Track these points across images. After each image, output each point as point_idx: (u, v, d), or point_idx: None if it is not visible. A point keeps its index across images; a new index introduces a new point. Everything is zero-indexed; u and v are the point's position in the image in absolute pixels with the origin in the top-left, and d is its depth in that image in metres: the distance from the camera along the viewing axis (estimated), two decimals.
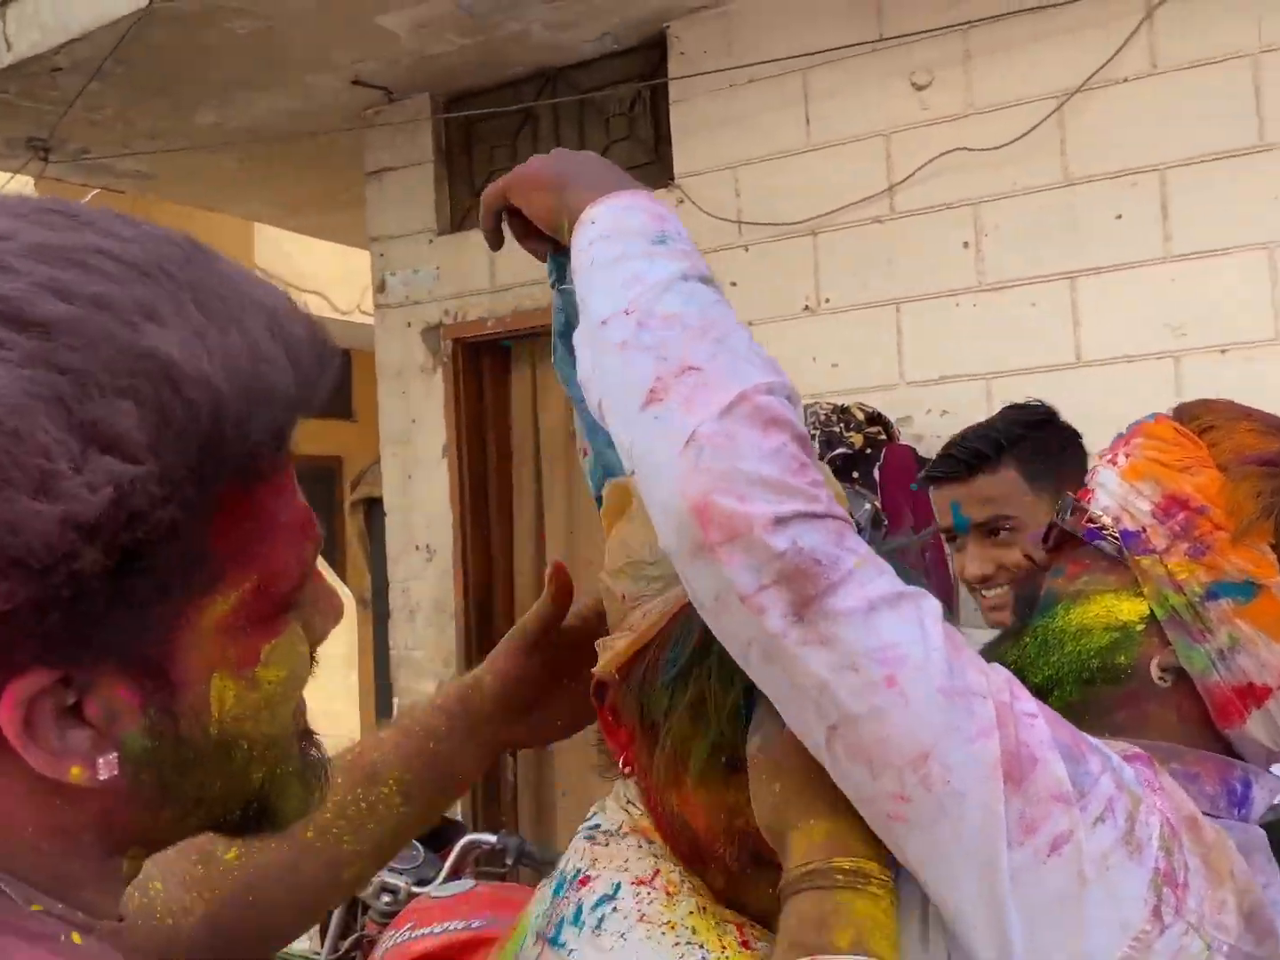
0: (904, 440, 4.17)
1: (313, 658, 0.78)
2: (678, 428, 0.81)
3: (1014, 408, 2.74)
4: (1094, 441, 3.99)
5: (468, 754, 1.12)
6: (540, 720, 1.18)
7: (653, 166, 4.88)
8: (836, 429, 3.98)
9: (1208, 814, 0.91)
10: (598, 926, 0.91)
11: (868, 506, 3.83)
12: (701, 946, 0.90)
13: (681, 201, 4.71)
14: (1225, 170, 3.82)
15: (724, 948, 0.90)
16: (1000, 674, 0.84)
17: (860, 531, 3.13)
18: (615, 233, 0.92)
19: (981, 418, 4.18)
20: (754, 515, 0.79)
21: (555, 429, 5.27)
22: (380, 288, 5.50)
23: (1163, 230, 3.91)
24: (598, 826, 1.03)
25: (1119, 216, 3.97)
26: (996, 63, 4.16)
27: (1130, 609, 0.97)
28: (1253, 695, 0.95)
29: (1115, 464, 1.03)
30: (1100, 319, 4.00)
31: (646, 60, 4.89)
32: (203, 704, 0.64)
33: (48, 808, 0.60)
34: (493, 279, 5.19)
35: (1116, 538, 0.99)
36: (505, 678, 1.14)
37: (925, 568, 3.85)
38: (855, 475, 3.90)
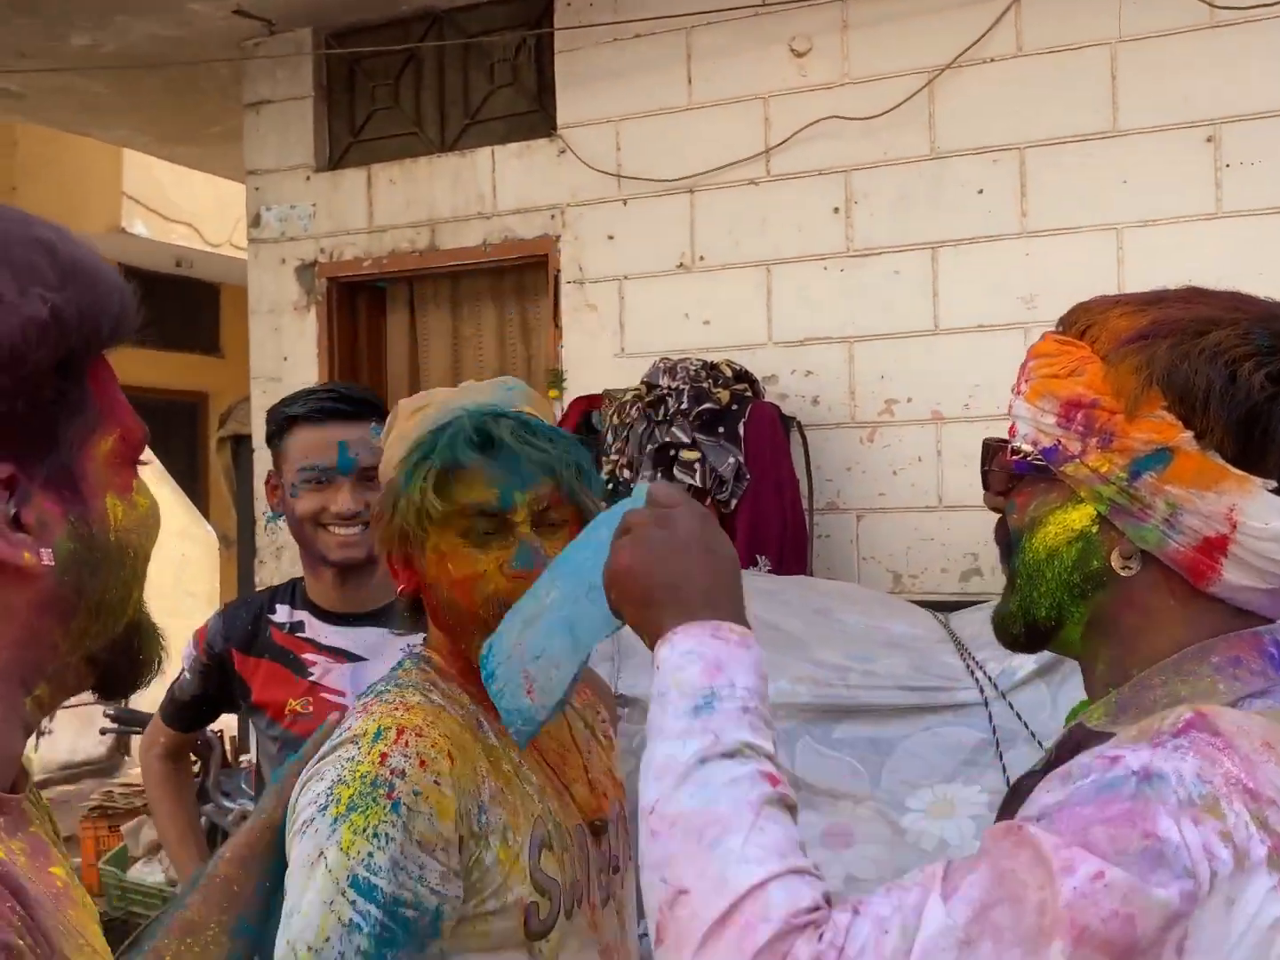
0: (769, 398, 4.31)
1: None
2: None
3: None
4: (949, 405, 4.20)
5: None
6: None
7: (536, 115, 4.92)
8: (705, 384, 4.11)
9: (1266, 691, 0.96)
10: None
11: (731, 460, 3.97)
12: None
13: (563, 152, 4.77)
14: (1080, 153, 4.02)
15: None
16: (1069, 874, 0.82)
17: (723, 484, 3.27)
18: (669, 689, 0.98)
19: (843, 379, 4.38)
20: None
21: (435, 373, 5.29)
22: (255, 222, 5.44)
23: (1020, 206, 4.10)
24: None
25: (980, 191, 4.15)
26: (872, 35, 4.29)
27: (1079, 516, 1.02)
28: (1214, 547, 0.98)
29: (1020, 392, 1.08)
30: (958, 289, 4.18)
31: (533, 8, 4.91)
32: (104, 516, 0.83)
33: None
34: (370, 219, 5.18)
35: (1040, 458, 1.03)
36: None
37: (784, 520, 4.01)
38: (721, 430, 4.03)
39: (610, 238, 4.70)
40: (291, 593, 2.26)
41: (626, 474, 4.09)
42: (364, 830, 1.16)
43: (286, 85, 5.32)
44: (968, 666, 2.58)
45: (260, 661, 2.17)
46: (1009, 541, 1.09)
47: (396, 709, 1.26)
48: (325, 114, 5.32)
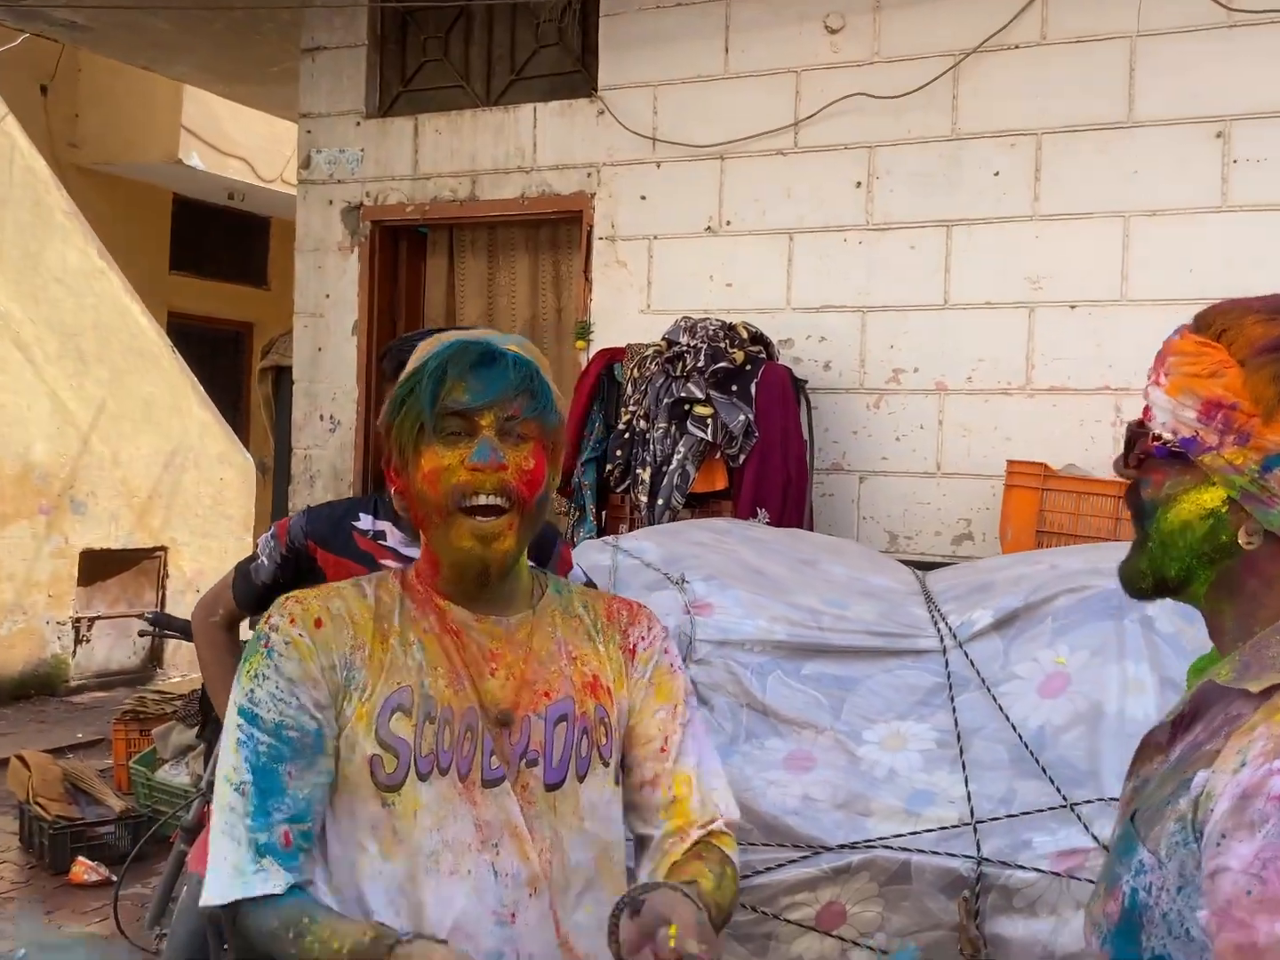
0: (784, 361, 4.52)
1: None
2: None
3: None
4: (953, 377, 4.39)
5: None
6: None
7: (577, 76, 5.12)
8: (722, 344, 4.32)
9: None
10: None
11: (742, 417, 4.18)
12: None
13: (602, 113, 4.96)
14: (1095, 141, 4.19)
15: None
16: None
17: (733, 440, 3.52)
18: None
19: (854, 347, 4.58)
20: None
21: (470, 317, 5.52)
22: (305, 164, 5.67)
23: (1033, 190, 4.28)
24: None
25: (996, 173, 4.33)
26: (903, 16, 4.46)
27: (1212, 497, 1.17)
28: None
29: (1160, 384, 1.21)
30: (969, 267, 4.37)
31: None
32: None
33: None
34: (415, 166, 5.40)
35: (1179, 447, 1.18)
36: None
37: (788, 477, 4.23)
38: (734, 388, 4.24)
39: (642, 198, 4.91)
40: (374, 505, 2.48)
41: (643, 424, 4.32)
42: (250, 672, 1.48)
43: (342, 33, 5.53)
44: (932, 617, 2.80)
45: (341, 560, 2.34)
46: (1140, 507, 1.25)
47: (312, 589, 1.58)
48: (378, 63, 5.53)
